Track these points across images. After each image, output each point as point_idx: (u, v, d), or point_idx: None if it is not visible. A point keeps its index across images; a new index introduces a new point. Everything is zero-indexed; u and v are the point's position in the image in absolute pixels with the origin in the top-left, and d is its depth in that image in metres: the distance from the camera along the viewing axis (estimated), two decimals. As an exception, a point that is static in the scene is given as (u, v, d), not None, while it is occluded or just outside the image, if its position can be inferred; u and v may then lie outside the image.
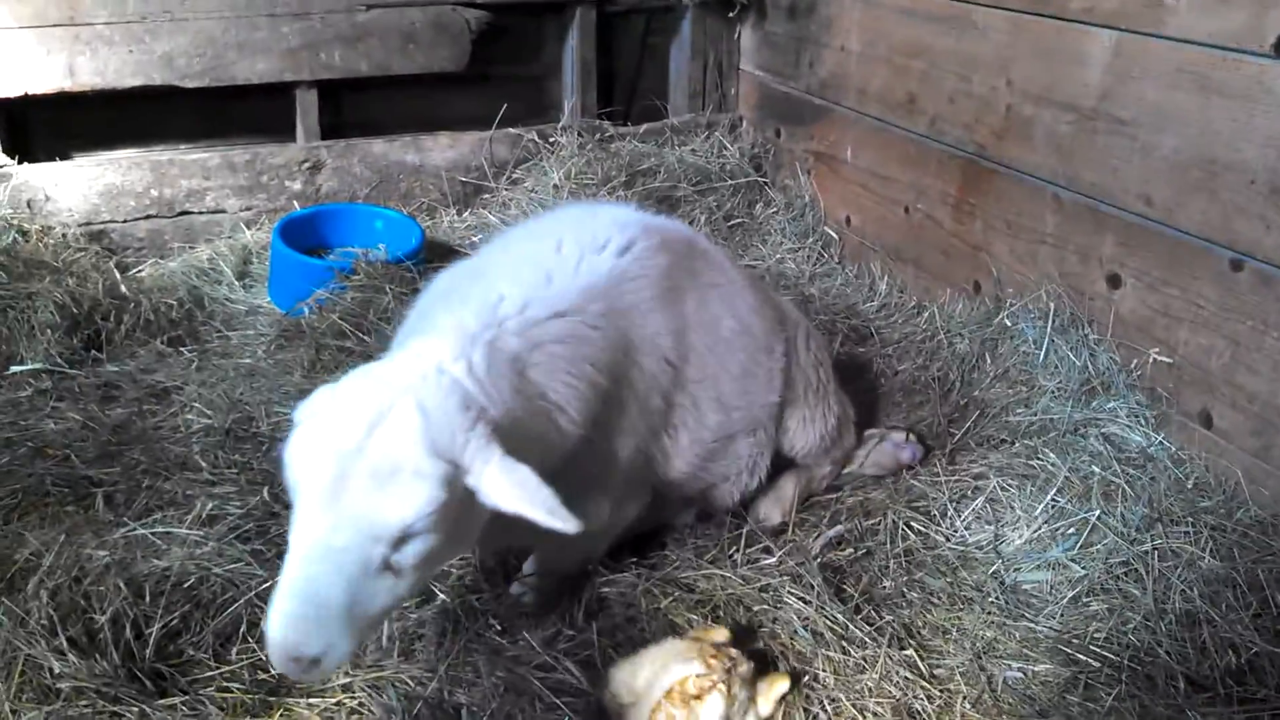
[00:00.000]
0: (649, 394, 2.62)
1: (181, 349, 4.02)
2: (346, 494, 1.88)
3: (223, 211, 4.87)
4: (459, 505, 1.98)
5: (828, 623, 2.65)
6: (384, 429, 1.92)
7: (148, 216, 4.75)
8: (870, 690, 2.51)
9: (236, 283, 4.54)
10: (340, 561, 1.88)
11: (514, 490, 1.98)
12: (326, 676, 2.33)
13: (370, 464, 1.89)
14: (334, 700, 2.49)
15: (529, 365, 2.25)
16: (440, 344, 2.11)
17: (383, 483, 1.89)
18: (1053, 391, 3.57)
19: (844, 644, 2.61)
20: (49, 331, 3.84)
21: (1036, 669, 2.69)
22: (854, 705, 2.47)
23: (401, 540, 1.92)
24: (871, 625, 2.70)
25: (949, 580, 2.93)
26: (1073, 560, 2.90)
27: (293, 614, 1.86)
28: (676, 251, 2.80)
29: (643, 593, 2.73)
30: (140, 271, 4.63)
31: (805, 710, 2.46)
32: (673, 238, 2.87)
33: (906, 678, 2.56)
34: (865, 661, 2.58)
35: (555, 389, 2.29)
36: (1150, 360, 3.44)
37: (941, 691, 2.59)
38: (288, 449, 1.97)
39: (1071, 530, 2.96)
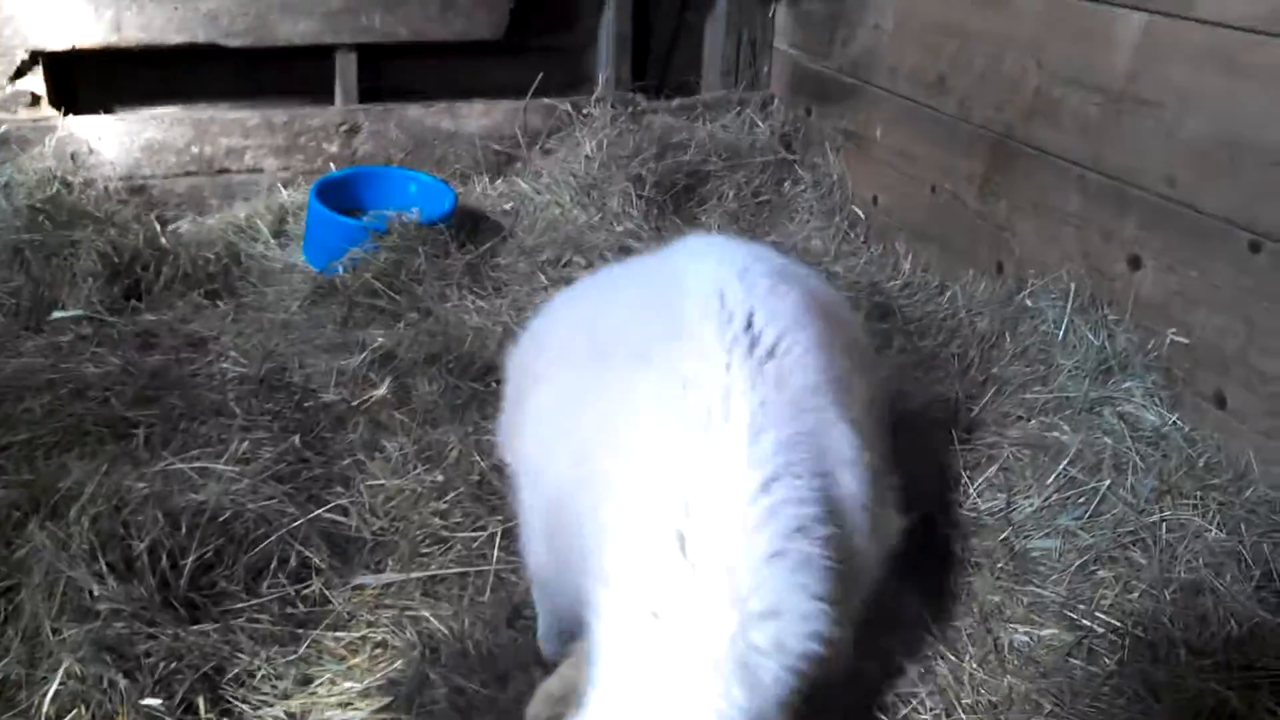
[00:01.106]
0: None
1: (218, 301, 4.13)
2: None
3: (260, 171, 4.97)
4: None
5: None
6: None
7: (187, 173, 4.86)
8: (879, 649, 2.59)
9: (272, 240, 4.64)
10: None
11: None
12: None
13: None
14: (359, 634, 2.60)
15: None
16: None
17: None
18: (1070, 370, 3.62)
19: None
20: (90, 280, 3.95)
21: (1042, 633, 2.75)
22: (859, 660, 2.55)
23: None
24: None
25: (959, 545, 3.00)
26: (1081, 529, 2.97)
27: None
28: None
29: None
30: (179, 227, 4.74)
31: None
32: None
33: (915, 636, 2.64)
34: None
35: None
36: (1167, 341, 3.48)
37: (949, 651, 2.66)
38: None
39: (1081, 500, 3.03)
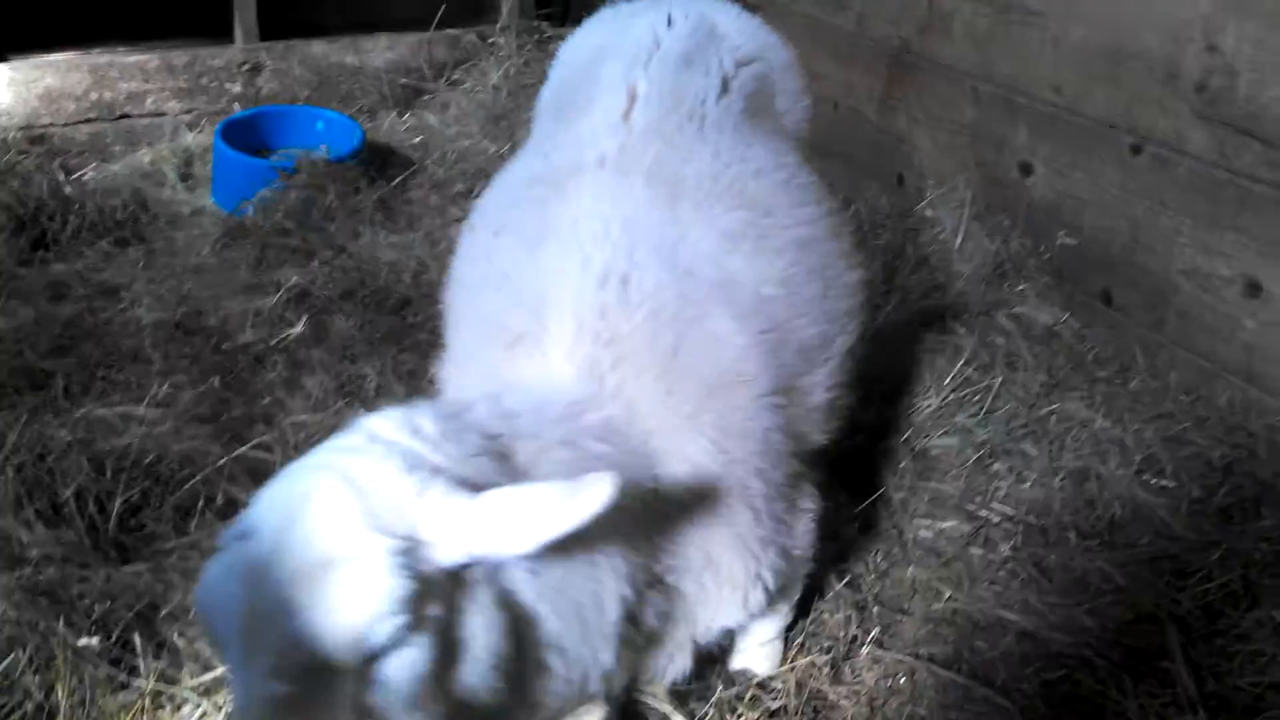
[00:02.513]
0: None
1: (128, 248, 4.10)
2: (274, 621, 1.34)
3: (163, 114, 4.91)
4: (448, 603, 1.45)
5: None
6: (304, 522, 1.38)
7: (88, 120, 4.78)
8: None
9: (180, 184, 4.59)
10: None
11: (477, 528, 1.43)
12: None
13: (296, 570, 1.35)
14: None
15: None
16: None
17: (316, 589, 1.34)
18: (967, 276, 3.77)
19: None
20: (-5, 233, 3.91)
21: (943, 525, 2.91)
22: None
23: (370, 663, 1.37)
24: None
25: (867, 448, 3.15)
26: (977, 425, 3.13)
27: None
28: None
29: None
30: (84, 175, 4.67)
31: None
32: None
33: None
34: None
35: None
36: (1058, 243, 3.64)
37: (856, 545, 2.81)
38: (199, 588, 1.44)
39: (976, 398, 3.18)
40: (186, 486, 2.77)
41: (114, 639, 2.38)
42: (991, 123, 3.88)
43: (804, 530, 2.17)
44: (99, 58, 4.82)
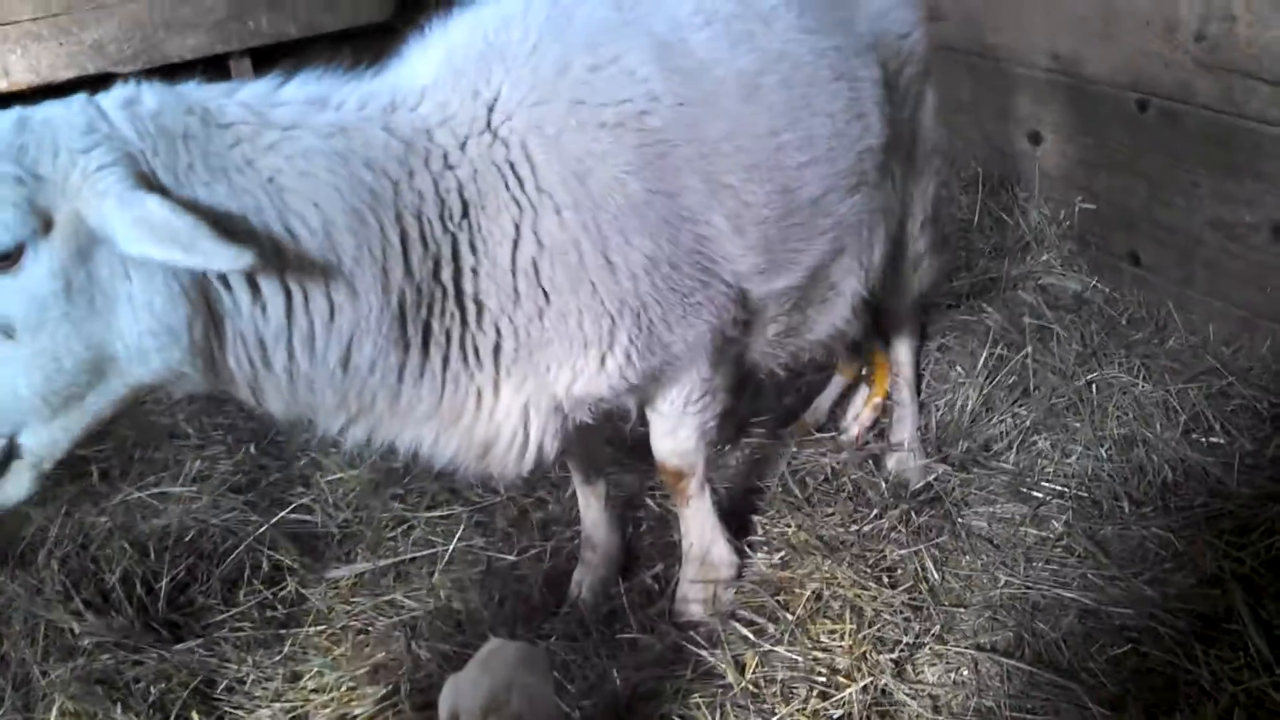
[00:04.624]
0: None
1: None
2: None
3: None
4: (80, 256, 1.64)
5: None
6: None
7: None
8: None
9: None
10: None
11: (137, 226, 1.59)
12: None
13: None
14: (340, 625, 2.67)
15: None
16: None
17: None
18: (989, 252, 3.72)
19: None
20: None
21: (993, 509, 2.86)
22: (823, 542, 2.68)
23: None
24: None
25: (918, 444, 3.10)
26: (1020, 407, 3.07)
27: None
28: None
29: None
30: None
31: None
32: None
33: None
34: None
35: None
36: (1076, 209, 3.58)
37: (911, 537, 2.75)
38: None
39: (1012, 379, 3.12)
40: (230, 558, 2.79)
41: (173, 718, 2.38)
42: (993, 96, 3.84)
43: (695, 334, 2.16)
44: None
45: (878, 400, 3.22)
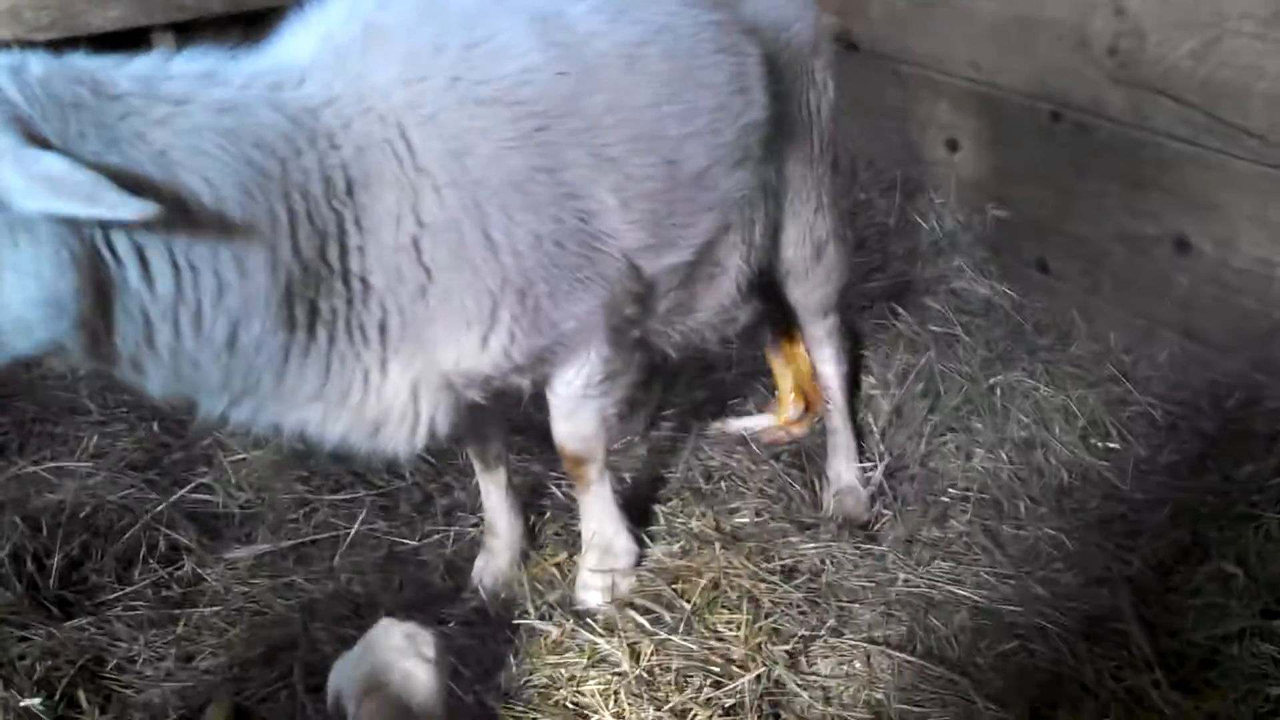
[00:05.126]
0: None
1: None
2: None
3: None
4: None
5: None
6: None
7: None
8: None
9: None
10: None
11: (36, 181, 1.56)
12: None
13: None
14: (235, 607, 2.63)
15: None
16: None
17: None
18: (903, 255, 3.77)
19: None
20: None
21: (901, 508, 2.90)
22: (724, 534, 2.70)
23: None
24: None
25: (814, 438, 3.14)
26: (927, 411, 3.11)
27: None
28: None
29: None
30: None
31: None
32: None
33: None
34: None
35: None
36: (989, 216, 3.65)
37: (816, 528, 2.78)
38: None
39: (921, 381, 3.17)
40: (126, 536, 2.73)
41: (58, 696, 2.33)
42: (915, 102, 3.89)
43: (585, 310, 2.16)
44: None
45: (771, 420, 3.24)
